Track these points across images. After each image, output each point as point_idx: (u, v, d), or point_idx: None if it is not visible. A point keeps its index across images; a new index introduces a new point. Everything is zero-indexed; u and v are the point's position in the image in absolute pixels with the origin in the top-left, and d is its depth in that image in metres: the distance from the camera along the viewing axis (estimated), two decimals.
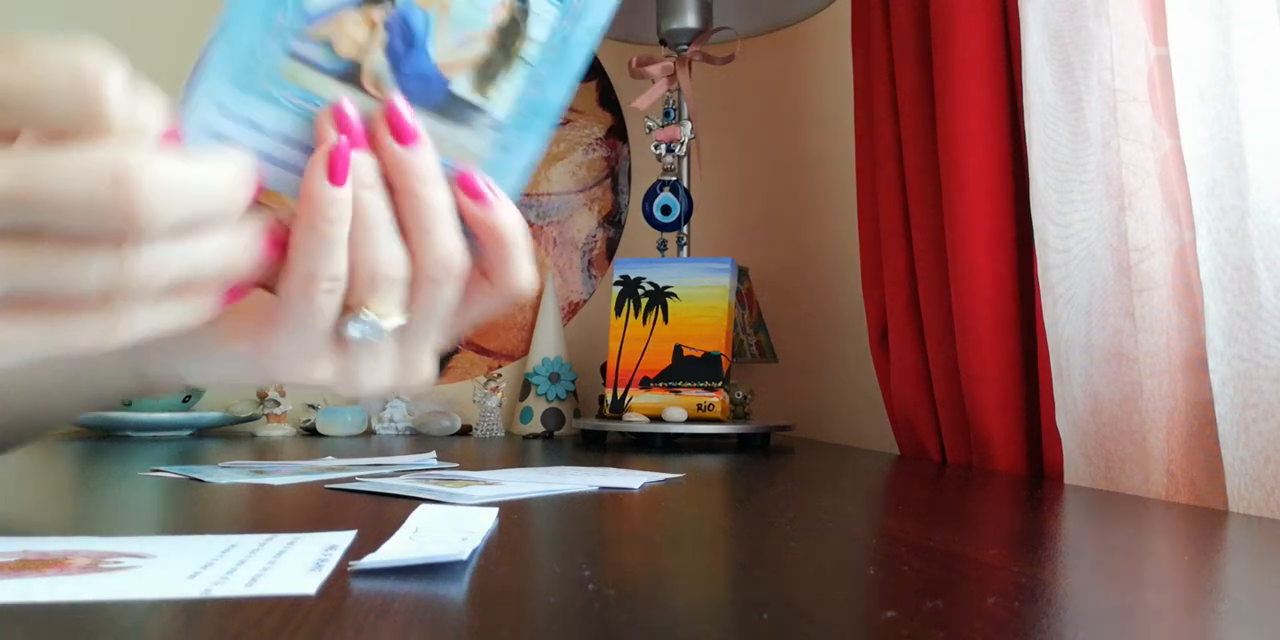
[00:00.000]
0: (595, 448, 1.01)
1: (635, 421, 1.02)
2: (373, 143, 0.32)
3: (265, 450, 0.95)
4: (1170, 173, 0.66)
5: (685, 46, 1.22)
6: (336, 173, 0.31)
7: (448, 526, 0.42)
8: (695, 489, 0.64)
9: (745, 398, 1.16)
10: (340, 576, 0.32)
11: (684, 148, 1.20)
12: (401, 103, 0.33)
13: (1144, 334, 0.66)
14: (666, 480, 0.66)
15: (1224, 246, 0.59)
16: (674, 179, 1.21)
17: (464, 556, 0.35)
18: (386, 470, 0.70)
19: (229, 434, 1.25)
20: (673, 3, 1.21)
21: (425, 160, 0.33)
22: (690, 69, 1.21)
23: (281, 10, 0.31)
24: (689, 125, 1.20)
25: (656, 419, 1.02)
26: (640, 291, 1.09)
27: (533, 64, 0.35)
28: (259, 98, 0.31)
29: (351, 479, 0.63)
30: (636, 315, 1.09)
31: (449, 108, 0.34)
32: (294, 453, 0.91)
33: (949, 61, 0.84)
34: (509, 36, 0.34)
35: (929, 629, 0.27)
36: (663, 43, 1.24)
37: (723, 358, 1.04)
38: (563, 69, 0.35)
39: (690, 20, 1.21)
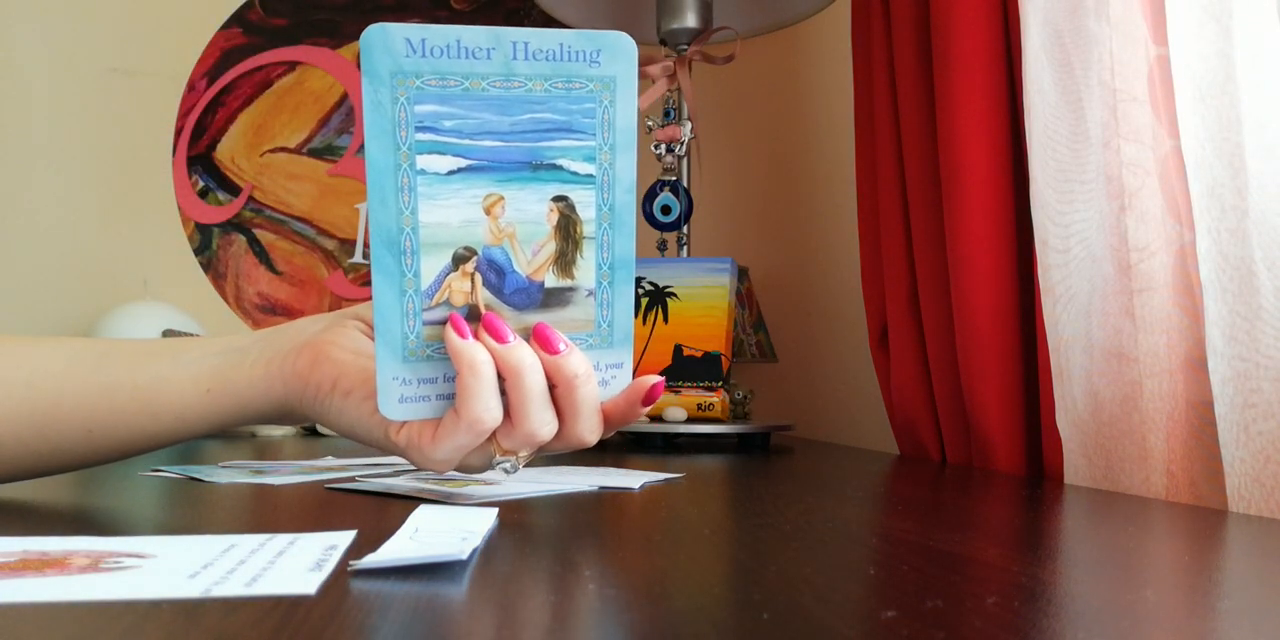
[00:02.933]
0: (595, 447, 1.01)
1: (635, 421, 1.02)
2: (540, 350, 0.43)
3: (265, 450, 0.95)
4: (1170, 173, 0.66)
5: (685, 46, 1.22)
6: (459, 330, 0.42)
7: (448, 526, 0.42)
8: (695, 489, 0.64)
9: (745, 398, 1.16)
10: (340, 576, 0.32)
11: (684, 148, 1.20)
12: (543, 326, 0.43)
13: (1144, 334, 0.66)
14: (666, 480, 0.66)
15: (1224, 246, 0.59)
16: (674, 179, 1.21)
17: (464, 556, 0.35)
18: (386, 470, 0.70)
19: (229, 434, 1.25)
20: (673, 3, 1.21)
21: (572, 362, 0.43)
22: (690, 69, 1.21)
23: (410, 300, 0.42)
24: (689, 125, 1.20)
25: (656, 419, 1.02)
26: (640, 291, 1.09)
27: (595, 237, 0.44)
28: (420, 361, 0.43)
29: (351, 479, 0.63)
30: (636, 315, 1.09)
31: (550, 300, 0.44)
32: (294, 452, 0.91)
33: (949, 61, 0.84)
34: (568, 228, 0.43)
35: (929, 629, 0.27)
36: (663, 43, 1.24)
37: (723, 358, 1.04)
38: (620, 227, 0.44)
39: (690, 20, 1.21)
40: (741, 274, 1.26)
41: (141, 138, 1.44)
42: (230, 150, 1.45)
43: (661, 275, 1.10)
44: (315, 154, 1.47)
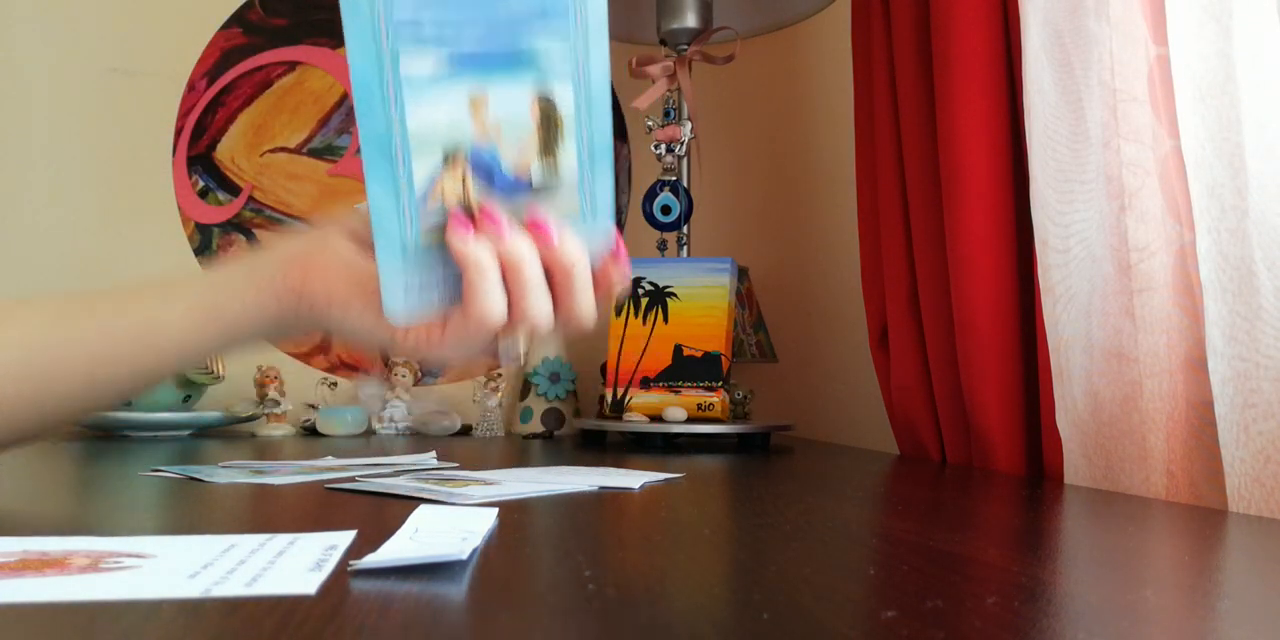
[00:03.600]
0: (595, 448, 1.01)
1: (635, 421, 1.02)
2: (536, 242, 0.44)
3: (265, 450, 0.95)
4: (1170, 173, 0.66)
5: (685, 46, 1.22)
6: (462, 227, 0.43)
7: (448, 526, 0.42)
8: (695, 489, 0.64)
9: (745, 398, 1.16)
10: (340, 576, 0.32)
11: (684, 148, 1.20)
12: (536, 219, 0.44)
13: (1144, 334, 0.66)
14: (666, 480, 0.66)
15: (1224, 246, 0.59)
16: (674, 179, 1.21)
17: (464, 556, 0.35)
18: (386, 470, 0.70)
19: (229, 434, 1.25)
20: (673, 3, 1.21)
21: (569, 252, 0.44)
22: (690, 69, 1.21)
23: (406, 203, 0.43)
24: (689, 125, 1.20)
25: (656, 419, 1.02)
26: (640, 291, 1.09)
27: (572, 125, 0.44)
28: (420, 260, 0.44)
29: (351, 479, 0.63)
30: (636, 315, 1.09)
31: (539, 191, 0.45)
32: (294, 453, 0.91)
33: (949, 61, 0.84)
34: (549, 121, 0.44)
35: (929, 629, 0.27)
36: (663, 43, 1.24)
37: (723, 358, 1.04)
38: (598, 116, 0.44)
39: (690, 20, 1.20)
40: (741, 274, 1.26)
41: (141, 138, 1.44)
42: (230, 150, 1.45)
43: (661, 275, 1.10)
44: (315, 154, 1.47)
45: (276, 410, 1.26)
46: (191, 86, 1.45)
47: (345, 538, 0.38)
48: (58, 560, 0.34)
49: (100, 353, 0.49)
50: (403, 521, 0.42)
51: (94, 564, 0.33)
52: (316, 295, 0.47)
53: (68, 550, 0.36)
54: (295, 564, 0.33)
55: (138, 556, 0.34)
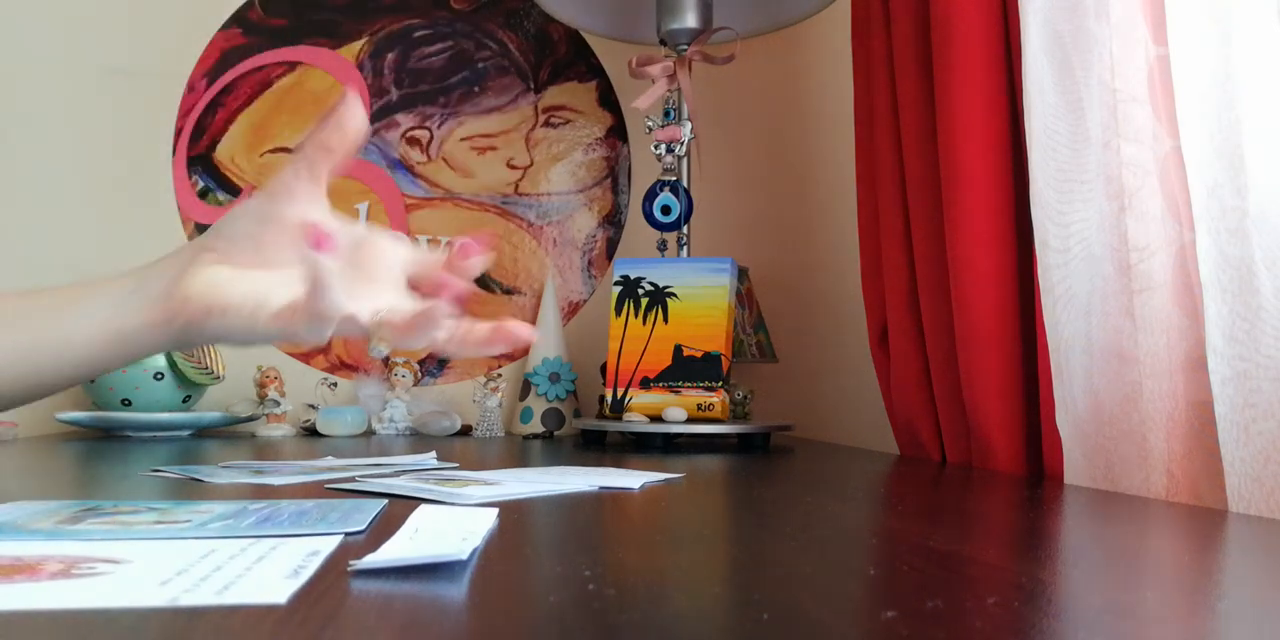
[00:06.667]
0: (595, 448, 1.01)
1: (635, 421, 1.02)
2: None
3: (265, 450, 0.95)
4: (1170, 173, 0.66)
5: (685, 46, 1.22)
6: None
7: (448, 526, 0.42)
8: (695, 489, 0.64)
9: (745, 398, 1.16)
10: (340, 577, 0.32)
11: (684, 148, 1.20)
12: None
13: (1144, 334, 0.66)
14: (666, 480, 0.66)
15: (1224, 246, 0.59)
16: (674, 179, 1.21)
17: (464, 556, 0.35)
18: (386, 470, 0.70)
19: (229, 434, 1.25)
20: (673, 3, 1.21)
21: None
22: (690, 69, 1.21)
23: None
24: (689, 125, 1.20)
25: (656, 419, 1.02)
26: (640, 291, 1.09)
27: None
28: None
29: (351, 479, 0.63)
30: (636, 315, 1.09)
31: None
32: (294, 453, 0.91)
33: (949, 61, 0.84)
34: None
35: (929, 629, 0.27)
36: (663, 43, 1.24)
37: (723, 358, 1.04)
38: None
39: (690, 20, 1.21)
40: (741, 274, 1.26)
41: (141, 138, 1.44)
42: (230, 150, 1.45)
43: (661, 275, 1.10)
44: None
45: (276, 410, 1.26)
46: (191, 87, 1.45)
47: (329, 543, 0.38)
48: (29, 566, 0.33)
49: (18, 368, 0.51)
50: (403, 521, 0.42)
51: (65, 571, 0.33)
52: (194, 314, 0.50)
53: (43, 555, 0.35)
54: (272, 570, 0.33)
55: (111, 562, 0.34)
